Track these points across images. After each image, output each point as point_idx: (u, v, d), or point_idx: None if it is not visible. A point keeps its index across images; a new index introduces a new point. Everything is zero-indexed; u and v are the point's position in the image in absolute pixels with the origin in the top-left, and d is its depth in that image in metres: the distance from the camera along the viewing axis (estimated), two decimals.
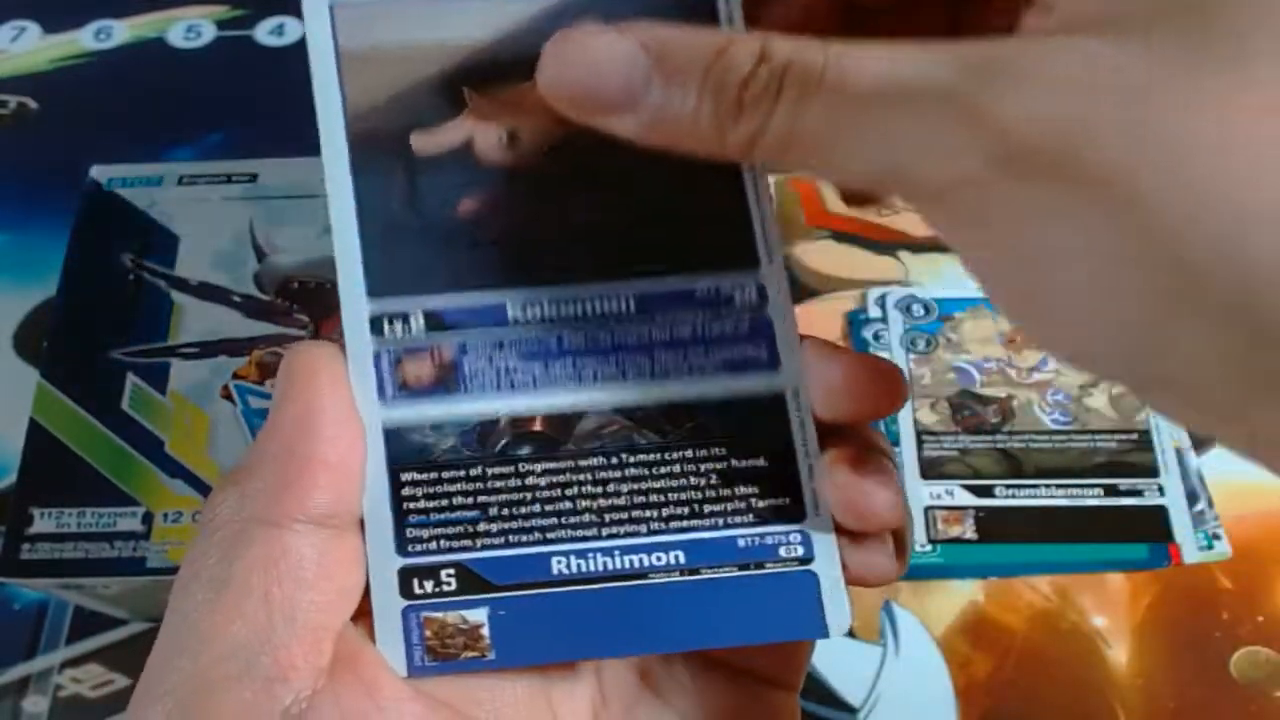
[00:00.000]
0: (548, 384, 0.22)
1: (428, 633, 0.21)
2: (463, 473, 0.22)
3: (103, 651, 0.40)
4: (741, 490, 0.22)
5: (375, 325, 0.22)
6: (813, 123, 0.18)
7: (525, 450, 0.22)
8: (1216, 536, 0.41)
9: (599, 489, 0.22)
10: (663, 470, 0.22)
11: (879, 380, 0.21)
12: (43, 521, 0.35)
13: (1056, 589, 0.41)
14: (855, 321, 0.46)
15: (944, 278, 0.47)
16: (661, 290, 0.22)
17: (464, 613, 0.21)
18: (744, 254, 0.22)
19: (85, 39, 0.56)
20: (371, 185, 0.22)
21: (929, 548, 0.40)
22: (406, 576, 0.21)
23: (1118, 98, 0.15)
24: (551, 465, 0.22)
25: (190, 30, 0.56)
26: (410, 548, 0.22)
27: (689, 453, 0.22)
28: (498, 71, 0.23)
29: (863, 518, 0.21)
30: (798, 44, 0.18)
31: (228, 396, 0.37)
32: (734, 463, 0.22)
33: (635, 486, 0.22)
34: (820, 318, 0.46)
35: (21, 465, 0.36)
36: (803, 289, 0.47)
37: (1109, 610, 0.40)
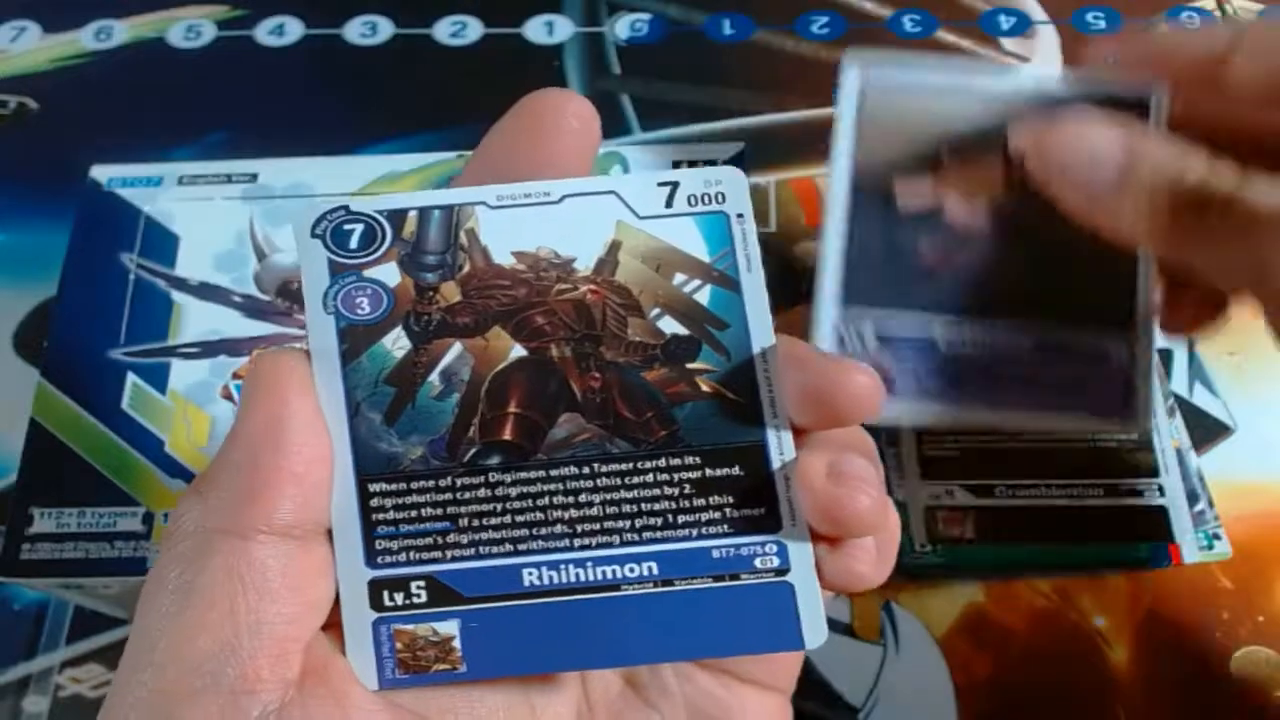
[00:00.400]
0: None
1: (398, 645, 0.21)
2: (432, 483, 0.21)
3: (103, 651, 0.40)
4: (715, 500, 0.22)
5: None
6: (1209, 229, 0.23)
7: (495, 459, 0.22)
8: (1216, 536, 0.41)
9: (570, 499, 0.22)
10: (635, 480, 0.22)
11: (852, 385, 0.21)
12: (43, 521, 0.35)
13: (1056, 589, 0.41)
14: None
15: None
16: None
17: (435, 625, 0.21)
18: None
19: (85, 39, 0.56)
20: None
21: (929, 548, 0.40)
22: (376, 588, 0.21)
23: None
24: (522, 475, 0.22)
25: (190, 30, 0.56)
26: (380, 559, 0.21)
27: (662, 461, 0.22)
28: (968, 145, 0.30)
29: (839, 524, 0.21)
30: (1220, 165, 0.24)
31: (228, 396, 0.37)
32: (708, 471, 0.22)
33: (607, 497, 0.22)
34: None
35: (21, 465, 0.36)
36: (803, 289, 0.47)
37: (1109, 610, 0.40)
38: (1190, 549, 0.40)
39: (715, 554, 0.22)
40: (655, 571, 0.21)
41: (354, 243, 0.22)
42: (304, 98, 0.53)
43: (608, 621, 0.21)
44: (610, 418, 0.22)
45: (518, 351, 0.22)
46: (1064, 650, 0.40)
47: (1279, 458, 0.42)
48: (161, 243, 0.40)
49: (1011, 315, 0.30)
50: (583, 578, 0.21)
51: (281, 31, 0.55)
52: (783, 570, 0.22)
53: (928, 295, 0.30)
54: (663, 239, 0.22)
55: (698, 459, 0.22)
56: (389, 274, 0.22)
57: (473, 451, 0.22)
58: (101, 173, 0.41)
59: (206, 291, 0.39)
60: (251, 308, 0.39)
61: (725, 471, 0.22)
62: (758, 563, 0.22)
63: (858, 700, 0.39)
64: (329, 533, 0.21)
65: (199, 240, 0.40)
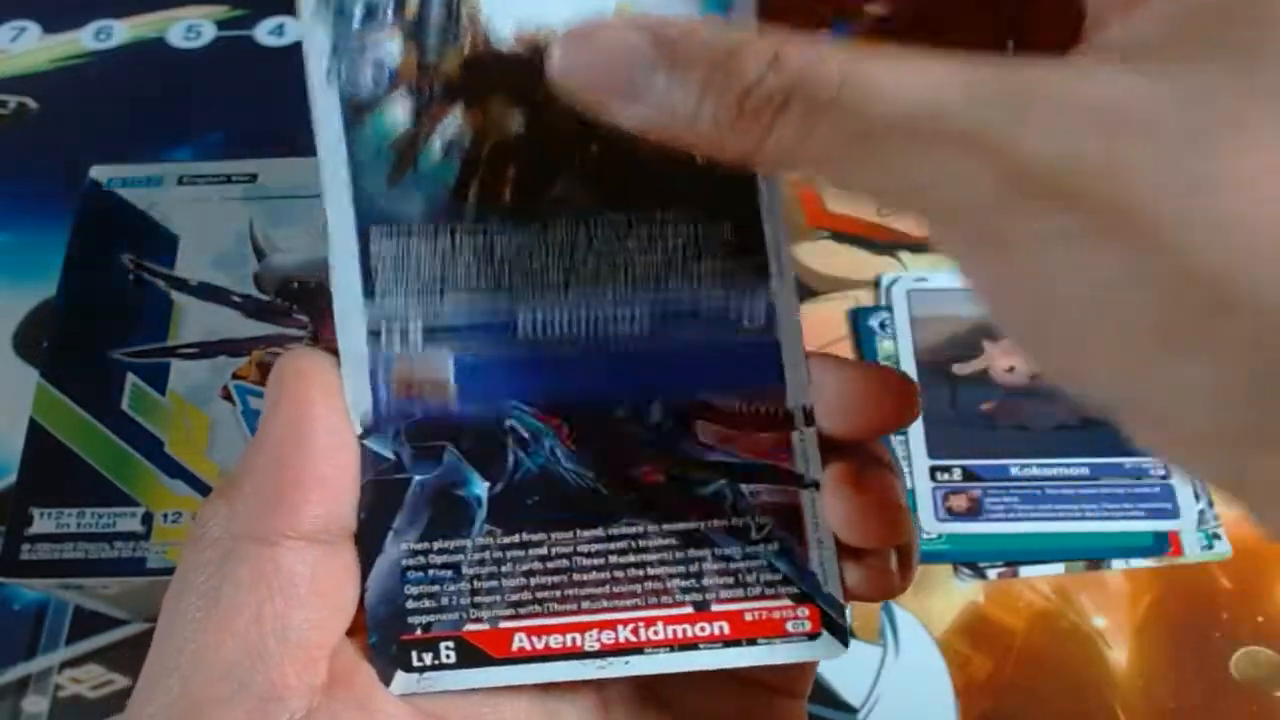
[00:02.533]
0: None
1: (395, 382, 0.21)
2: (431, 243, 0.22)
3: (103, 651, 0.40)
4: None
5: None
6: (820, 141, 0.17)
7: (494, 219, 0.22)
8: (1216, 536, 0.41)
9: (568, 259, 0.22)
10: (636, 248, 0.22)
11: (891, 392, 0.21)
12: (43, 521, 0.35)
13: (1056, 589, 0.41)
14: (860, 316, 0.46)
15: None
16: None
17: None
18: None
19: (85, 39, 0.56)
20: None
21: (933, 535, 0.40)
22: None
23: (1146, 137, 0.15)
24: (519, 237, 0.22)
25: (190, 30, 0.56)
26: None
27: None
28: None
29: (864, 536, 0.21)
30: (813, 54, 0.17)
31: (227, 397, 0.37)
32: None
33: (607, 259, 0.22)
34: (821, 318, 0.46)
35: (21, 465, 0.36)
36: (803, 289, 0.47)
37: (1109, 610, 0.40)
38: (1191, 544, 0.40)
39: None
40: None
41: (358, 17, 0.21)
42: (304, 98, 0.53)
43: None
44: (607, 183, 0.22)
45: (517, 125, 0.22)
46: (1063, 650, 0.40)
47: None
48: (161, 243, 0.40)
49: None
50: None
51: (281, 31, 0.55)
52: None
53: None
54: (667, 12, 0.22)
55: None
56: (392, 49, 0.22)
57: (472, 211, 0.21)
58: (101, 173, 0.41)
59: (206, 291, 0.39)
60: (251, 308, 0.39)
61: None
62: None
63: (857, 700, 0.39)
64: (354, 536, 0.21)
65: (199, 240, 0.40)
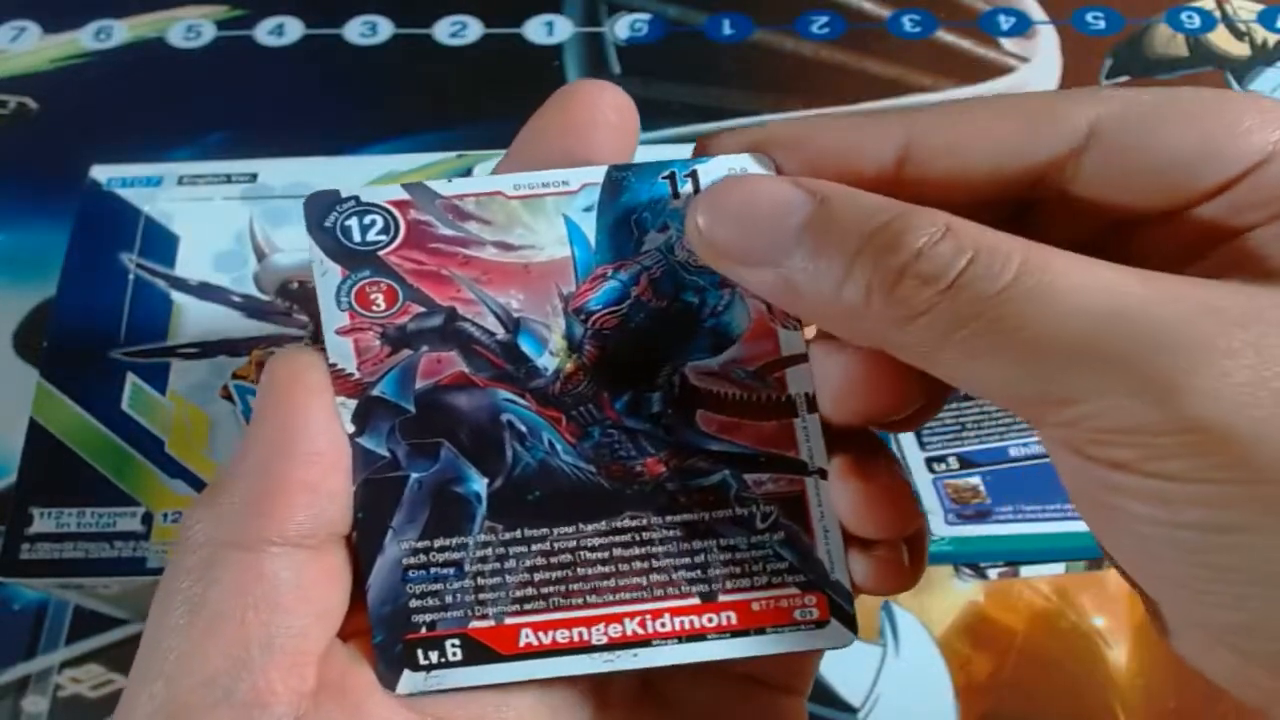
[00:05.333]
0: None
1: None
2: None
3: (103, 651, 0.40)
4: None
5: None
6: (977, 331, 0.16)
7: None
8: None
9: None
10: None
11: (892, 375, 0.20)
12: (43, 521, 0.35)
13: (1056, 589, 0.41)
14: None
15: None
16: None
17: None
18: None
19: (85, 39, 0.56)
20: None
21: (938, 537, 0.40)
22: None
23: None
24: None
25: (190, 30, 0.56)
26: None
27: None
28: None
29: (874, 525, 0.21)
30: (986, 231, 0.16)
31: (227, 396, 0.37)
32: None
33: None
34: None
35: (21, 465, 0.36)
36: None
37: (1109, 610, 0.40)
38: None
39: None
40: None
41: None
42: (304, 98, 0.53)
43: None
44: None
45: None
46: (1063, 650, 0.40)
47: None
48: (161, 243, 0.40)
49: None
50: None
51: (281, 31, 0.55)
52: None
53: None
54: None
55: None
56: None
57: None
58: (101, 173, 0.41)
59: (206, 291, 0.39)
60: (251, 308, 0.39)
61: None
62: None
63: (857, 700, 0.39)
64: (342, 538, 0.21)
65: (199, 240, 0.40)
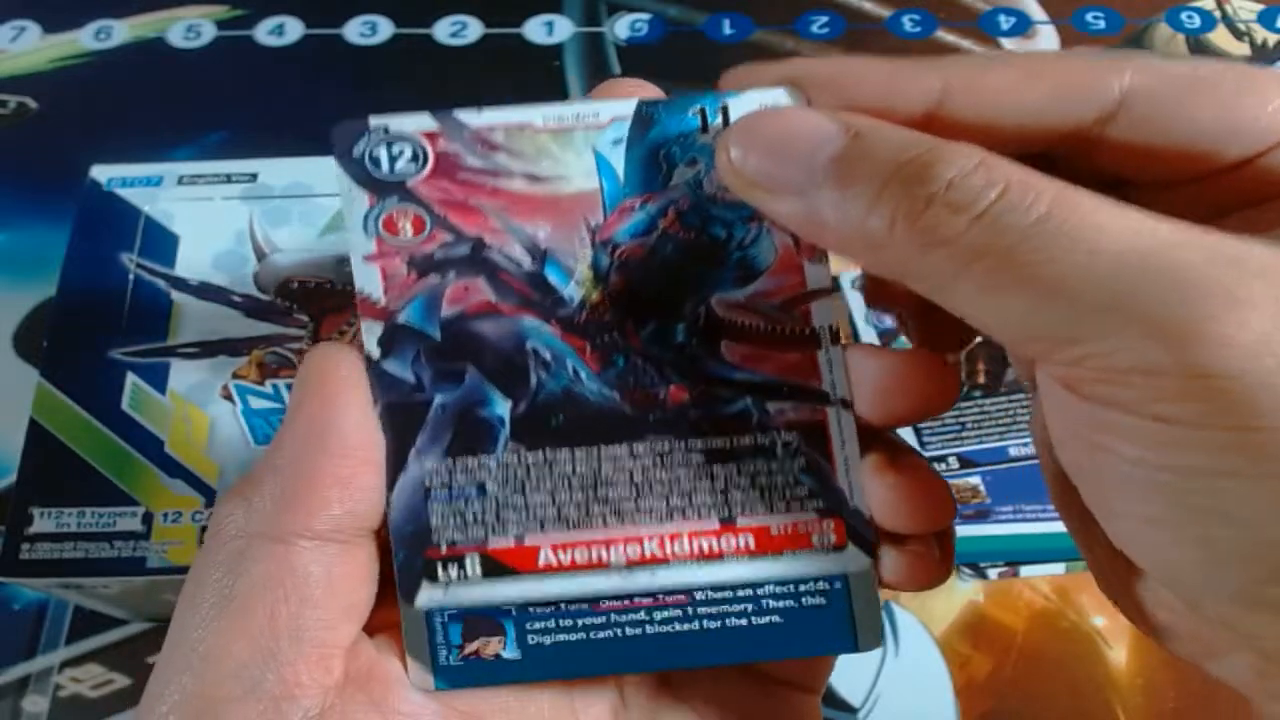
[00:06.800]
0: None
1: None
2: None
3: (103, 651, 0.40)
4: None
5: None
6: (999, 264, 0.16)
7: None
8: None
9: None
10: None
11: (930, 376, 0.21)
12: (43, 521, 0.35)
13: (1056, 589, 0.41)
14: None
15: None
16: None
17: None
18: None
19: (85, 39, 0.56)
20: None
21: None
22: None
23: None
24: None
25: (190, 30, 0.56)
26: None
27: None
28: None
29: (910, 519, 0.21)
30: (1019, 167, 0.17)
31: (228, 396, 0.37)
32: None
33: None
34: None
35: (21, 465, 0.36)
36: None
37: (1109, 610, 0.40)
38: None
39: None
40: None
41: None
42: (304, 98, 0.53)
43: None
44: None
45: None
46: (1063, 650, 0.40)
47: None
48: (161, 243, 0.40)
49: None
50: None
51: (281, 31, 0.55)
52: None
53: None
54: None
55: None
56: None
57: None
58: (101, 173, 0.41)
59: (206, 291, 0.39)
60: (251, 308, 0.39)
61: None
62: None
63: (857, 700, 0.39)
64: (372, 532, 0.21)
65: (199, 240, 0.40)
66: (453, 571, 0.21)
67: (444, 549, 0.21)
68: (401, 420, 0.21)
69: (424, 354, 0.21)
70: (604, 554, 0.21)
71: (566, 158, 0.21)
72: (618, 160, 0.21)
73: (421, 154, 0.21)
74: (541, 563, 0.21)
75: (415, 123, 0.21)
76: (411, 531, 0.21)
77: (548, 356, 0.22)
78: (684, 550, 0.21)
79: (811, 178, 0.18)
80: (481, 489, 0.21)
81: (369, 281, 0.21)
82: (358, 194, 0.21)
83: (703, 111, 0.21)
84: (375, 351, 0.21)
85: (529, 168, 0.21)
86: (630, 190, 0.21)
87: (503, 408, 0.21)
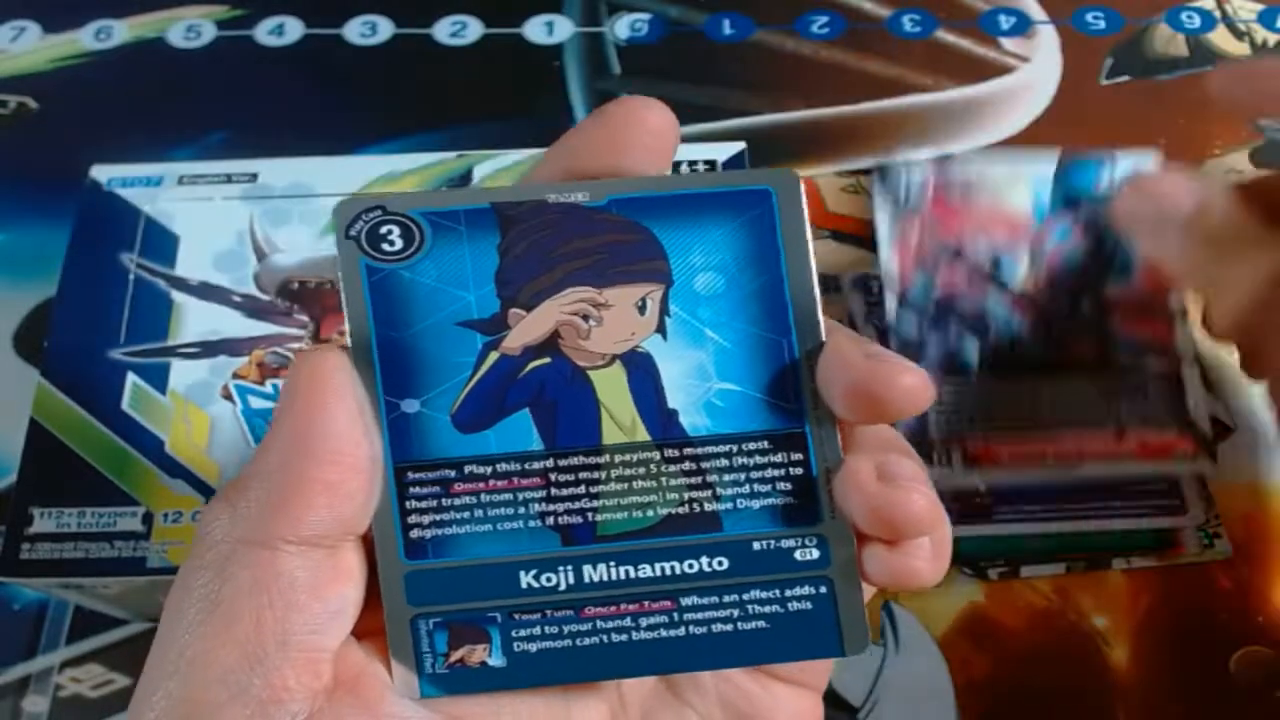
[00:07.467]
0: None
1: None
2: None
3: (103, 651, 0.40)
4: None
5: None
6: None
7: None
8: (1217, 536, 0.41)
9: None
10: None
11: (903, 380, 0.20)
12: (43, 521, 0.35)
13: (1056, 589, 0.41)
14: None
15: None
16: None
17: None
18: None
19: (85, 39, 0.56)
20: None
21: None
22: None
23: None
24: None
25: (190, 30, 0.56)
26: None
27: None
28: None
29: (896, 525, 0.21)
30: None
31: (228, 396, 0.37)
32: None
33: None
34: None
35: (21, 465, 0.36)
36: None
37: (1109, 610, 0.40)
38: (1191, 547, 0.40)
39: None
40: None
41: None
42: (304, 98, 0.53)
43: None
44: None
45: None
46: (1064, 650, 0.40)
47: (1279, 458, 0.42)
48: (161, 243, 0.40)
49: None
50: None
51: (281, 31, 0.55)
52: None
53: None
54: None
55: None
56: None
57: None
58: (101, 173, 0.41)
59: (206, 291, 0.39)
60: (251, 308, 0.39)
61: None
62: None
63: (858, 700, 0.39)
64: (359, 536, 0.21)
65: (199, 240, 0.40)
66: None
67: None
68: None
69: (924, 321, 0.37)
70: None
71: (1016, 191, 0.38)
72: (1044, 193, 0.38)
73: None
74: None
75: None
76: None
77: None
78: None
79: (1167, 230, 0.29)
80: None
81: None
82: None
83: (1101, 168, 0.37)
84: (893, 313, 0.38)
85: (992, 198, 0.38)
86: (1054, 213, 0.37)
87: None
